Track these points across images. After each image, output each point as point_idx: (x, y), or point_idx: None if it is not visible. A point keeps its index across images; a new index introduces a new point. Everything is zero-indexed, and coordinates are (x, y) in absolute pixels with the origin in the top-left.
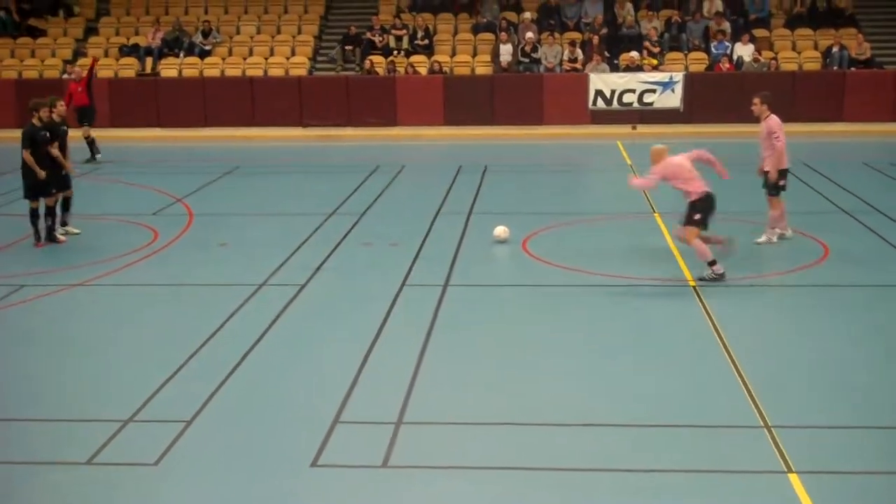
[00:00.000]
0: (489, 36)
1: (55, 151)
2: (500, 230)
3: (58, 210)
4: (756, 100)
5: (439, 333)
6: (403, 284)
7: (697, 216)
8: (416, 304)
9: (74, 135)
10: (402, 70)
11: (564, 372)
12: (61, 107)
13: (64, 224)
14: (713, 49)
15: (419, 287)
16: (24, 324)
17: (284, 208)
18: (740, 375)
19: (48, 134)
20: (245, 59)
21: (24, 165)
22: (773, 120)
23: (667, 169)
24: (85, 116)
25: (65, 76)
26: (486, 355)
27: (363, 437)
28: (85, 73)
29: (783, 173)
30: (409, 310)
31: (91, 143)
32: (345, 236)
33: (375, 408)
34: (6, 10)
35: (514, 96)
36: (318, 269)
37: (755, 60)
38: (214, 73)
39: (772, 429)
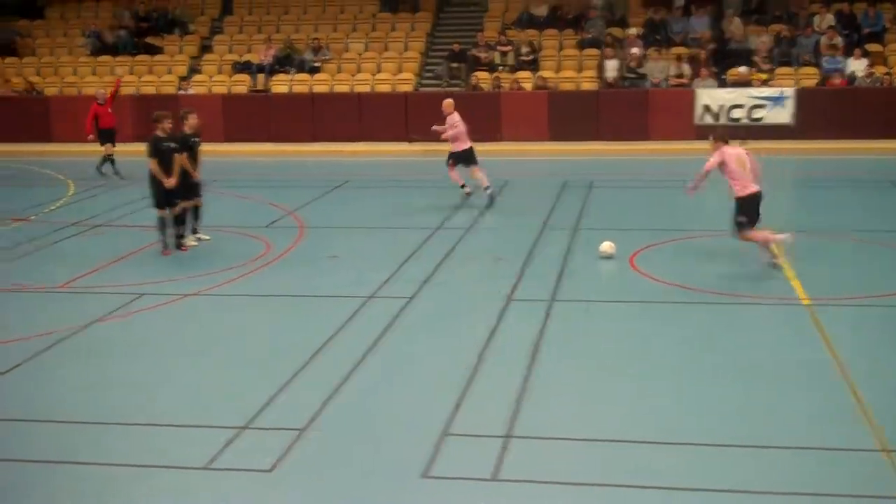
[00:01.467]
0: (594, 51)
1: (184, 162)
2: (606, 246)
3: (188, 219)
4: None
5: (546, 348)
6: (510, 299)
7: (742, 219)
8: (522, 319)
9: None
10: (507, 86)
11: (673, 390)
12: (192, 119)
13: (195, 232)
14: (824, 64)
15: (526, 302)
16: (144, 331)
17: (392, 222)
18: (856, 397)
19: (174, 145)
20: (353, 75)
21: (151, 175)
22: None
23: (724, 155)
24: (110, 137)
25: (98, 93)
26: (594, 371)
27: (472, 449)
28: (109, 95)
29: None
30: (516, 324)
31: (110, 159)
32: (451, 250)
33: (484, 421)
34: (126, 29)
35: (620, 111)
36: (425, 282)
37: (868, 76)
38: (323, 89)
39: (891, 453)
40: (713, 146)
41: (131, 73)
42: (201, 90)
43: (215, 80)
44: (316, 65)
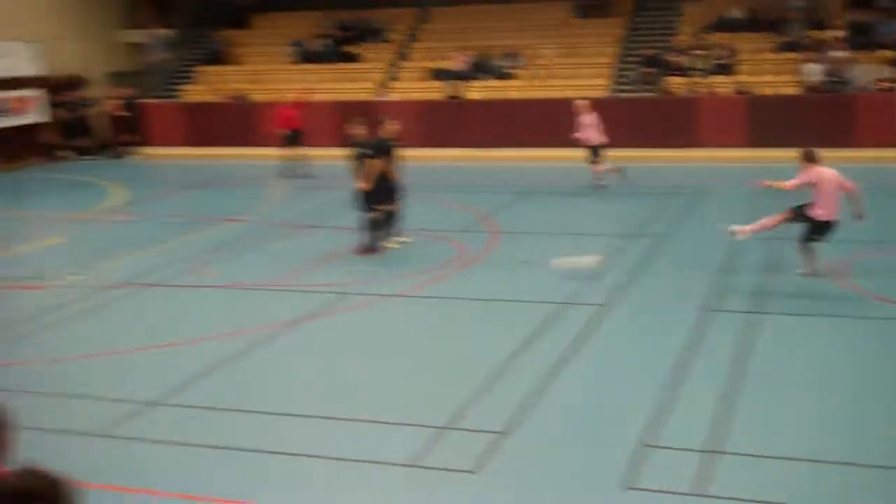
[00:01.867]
0: (794, 55)
1: (382, 167)
2: (588, 260)
3: (388, 222)
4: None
5: (749, 361)
6: (709, 309)
7: (815, 237)
8: (722, 331)
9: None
10: (702, 91)
11: (890, 411)
12: (391, 125)
13: (394, 235)
14: None
15: (726, 313)
16: (347, 329)
17: (586, 228)
18: None
19: (369, 150)
20: (545, 81)
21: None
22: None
23: (813, 176)
24: (297, 140)
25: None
26: (801, 387)
27: (675, 461)
28: (298, 101)
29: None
30: (716, 336)
31: (300, 161)
32: (645, 258)
33: (683, 433)
34: (329, 38)
35: (823, 117)
36: (620, 289)
37: None
38: (517, 95)
39: None
40: (802, 166)
41: (331, 81)
42: (398, 97)
43: (412, 87)
44: (509, 71)
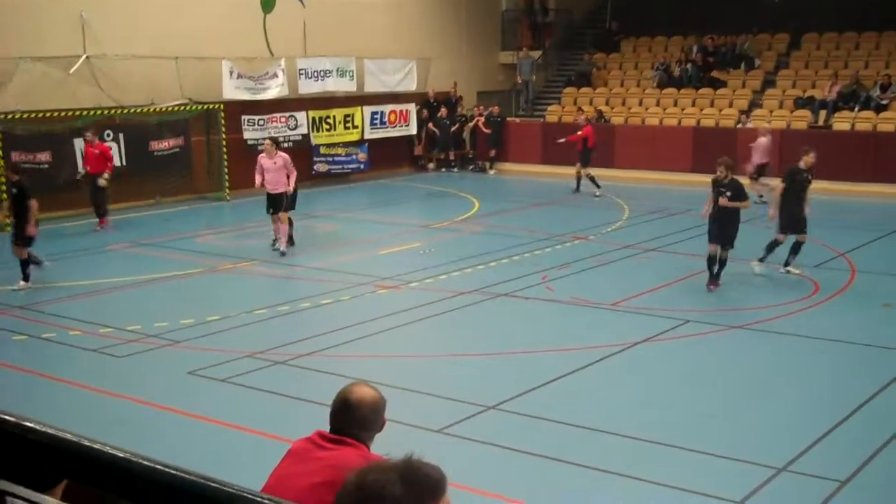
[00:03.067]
0: None
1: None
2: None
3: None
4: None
5: None
6: None
7: None
8: None
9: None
10: None
11: None
12: (809, 157)
13: (787, 264)
14: None
15: None
16: (686, 357)
17: None
18: None
19: (725, 190)
20: None
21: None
22: None
23: None
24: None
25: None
26: None
27: None
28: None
29: None
30: None
31: (591, 179)
32: None
33: None
34: (693, 63)
35: None
36: None
37: None
38: (889, 127)
39: None
40: None
41: (693, 106)
42: (760, 124)
43: (775, 115)
44: (883, 102)
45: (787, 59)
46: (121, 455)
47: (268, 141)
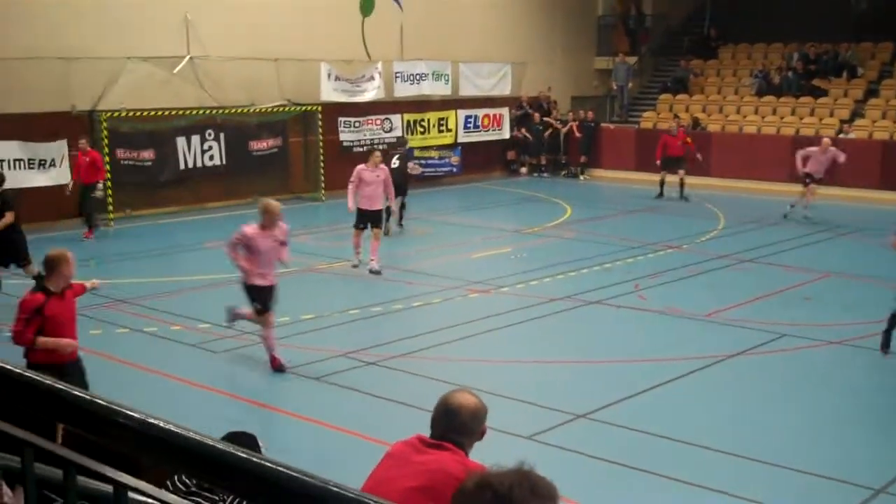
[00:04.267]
0: None
1: None
2: None
3: None
4: None
5: None
6: None
7: None
8: None
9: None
10: None
11: None
12: None
13: None
14: None
15: None
16: (782, 371)
17: None
18: None
19: None
20: None
21: None
22: None
23: None
24: (675, 164)
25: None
26: None
27: None
28: (680, 131)
29: None
30: None
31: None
32: None
33: None
34: (794, 71)
35: None
36: None
37: None
38: None
39: None
40: None
41: (793, 115)
42: (862, 135)
43: (877, 126)
44: None
45: (890, 69)
46: (231, 452)
47: (377, 152)
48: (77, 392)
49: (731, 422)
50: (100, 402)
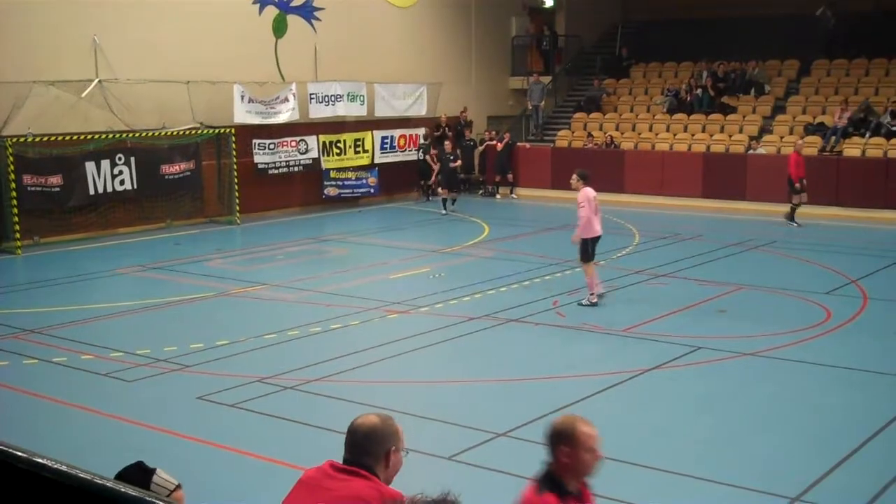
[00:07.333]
0: None
1: None
2: None
3: None
4: (573, 176)
5: None
6: None
7: None
8: None
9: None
10: None
11: None
12: None
13: None
14: None
15: None
16: (697, 384)
17: None
18: None
19: None
20: None
21: None
22: (582, 192)
23: None
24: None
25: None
26: None
27: None
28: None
29: (591, 241)
30: None
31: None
32: None
33: None
34: (704, 88)
35: None
36: None
37: None
38: None
39: None
40: None
41: (703, 132)
42: (770, 150)
43: (785, 141)
44: (894, 128)
45: (797, 86)
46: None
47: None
48: None
49: (651, 435)
50: None
